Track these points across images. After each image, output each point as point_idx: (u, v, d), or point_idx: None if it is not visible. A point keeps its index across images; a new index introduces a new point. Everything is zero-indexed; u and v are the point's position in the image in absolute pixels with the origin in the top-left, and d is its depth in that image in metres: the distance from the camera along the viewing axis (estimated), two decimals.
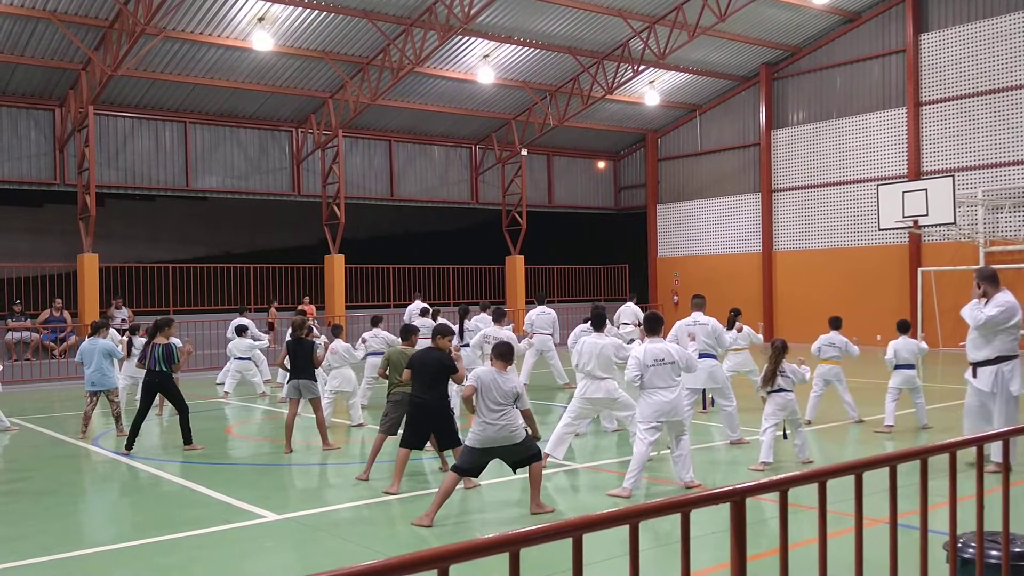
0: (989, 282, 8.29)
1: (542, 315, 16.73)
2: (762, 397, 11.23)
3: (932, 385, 15.09)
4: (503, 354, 7.29)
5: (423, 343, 9.26)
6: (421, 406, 8.04)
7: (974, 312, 8.24)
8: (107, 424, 12.78)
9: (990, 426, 8.22)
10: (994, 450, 7.33)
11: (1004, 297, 8.23)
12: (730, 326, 12.27)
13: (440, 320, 14.41)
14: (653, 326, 8.34)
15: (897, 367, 10.96)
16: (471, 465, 7.14)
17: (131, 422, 10.84)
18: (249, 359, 16.21)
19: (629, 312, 18.38)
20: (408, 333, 9.55)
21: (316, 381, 10.66)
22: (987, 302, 8.23)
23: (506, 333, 12.45)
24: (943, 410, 12.31)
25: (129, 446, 10.58)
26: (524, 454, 7.17)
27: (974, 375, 8.38)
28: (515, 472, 7.49)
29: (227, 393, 16.00)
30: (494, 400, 7.02)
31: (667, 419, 7.98)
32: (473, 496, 8.07)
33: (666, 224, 31.05)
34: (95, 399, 11.99)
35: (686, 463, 8.09)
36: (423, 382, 8.03)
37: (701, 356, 10.00)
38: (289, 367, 10.57)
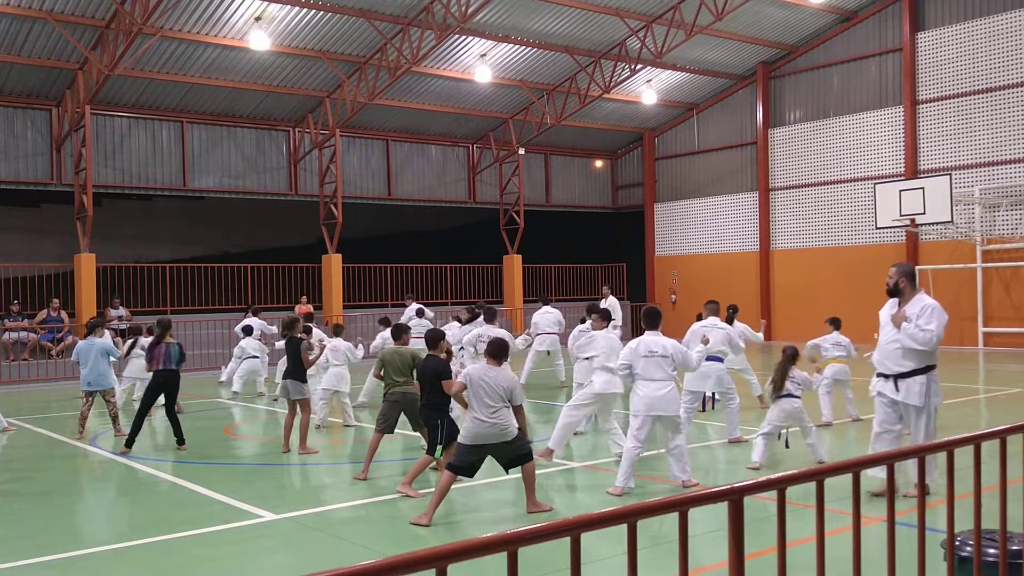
0: (910, 280, 7.47)
1: (545, 315, 16.78)
2: (761, 396, 11.23)
3: None
4: (495, 353, 7.30)
5: (415, 342, 9.30)
6: (425, 407, 8.14)
7: (919, 334, 7.17)
8: (104, 424, 12.76)
9: (897, 446, 7.24)
10: (912, 470, 6.80)
11: (931, 301, 7.39)
12: (729, 322, 12.36)
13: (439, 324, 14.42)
14: (652, 320, 8.34)
15: None
16: (464, 463, 7.12)
17: (132, 420, 10.80)
18: (258, 357, 16.06)
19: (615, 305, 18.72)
20: (399, 332, 9.54)
21: (305, 382, 10.49)
22: (907, 304, 7.36)
23: (501, 332, 12.44)
24: (942, 408, 12.28)
25: (129, 444, 10.55)
26: (516, 453, 7.17)
27: (896, 388, 7.34)
28: (507, 472, 7.49)
29: (236, 393, 15.93)
30: (488, 396, 7.01)
31: (659, 414, 7.95)
32: (471, 496, 8.07)
33: (663, 223, 31.06)
34: (91, 399, 11.95)
35: (681, 461, 8.06)
36: (423, 387, 8.15)
37: (709, 359, 9.95)
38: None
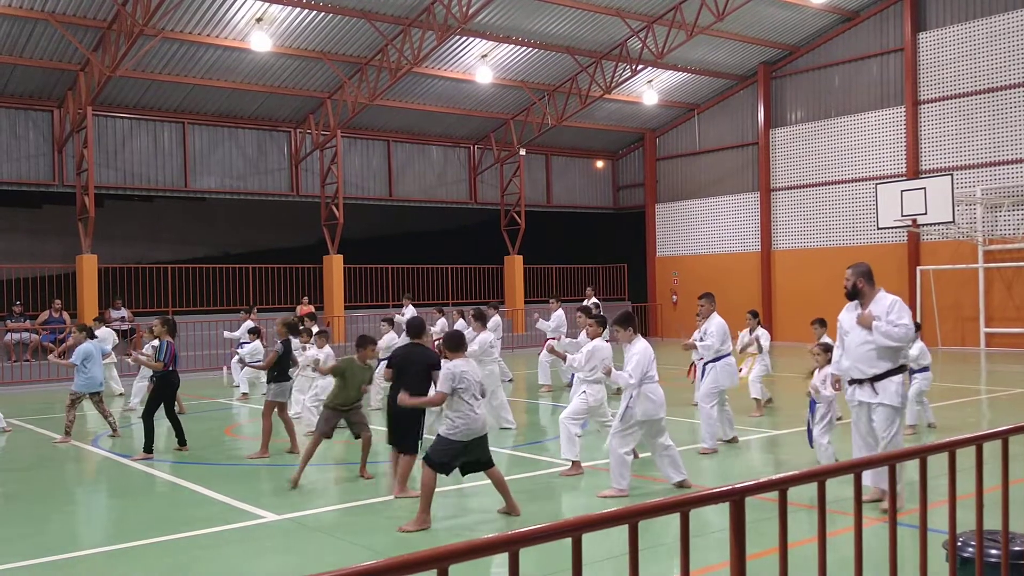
0: (868, 280, 7.27)
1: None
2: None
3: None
4: (457, 347, 7.14)
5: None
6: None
7: (894, 331, 6.96)
8: (103, 426, 12.74)
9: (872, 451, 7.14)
10: (871, 477, 6.86)
11: (893, 297, 7.22)
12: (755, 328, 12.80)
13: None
14: (633, 321, 8.22)
15: None
16: (445, 461, 6.95)
17: (145, 426, 10.47)
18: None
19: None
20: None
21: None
22: (869, 304, 7.18)
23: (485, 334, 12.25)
24: (944, 408, 12.31)
25: (149, 449, 10.39)
26: (486, 454, 7.10)
27: (874, 391, 7.06)
28: (463, 475, 7.29)
29: (245, 394, 16.01)
30: (474, 388, 6.96)
31: (663, 415, 7.91)
32: (470, 497, 8.07)
33: (664, 223, 31.05)
34: (81, 401, 11.83)
35: (676, 462, 8.01)
36: (406, 377, 7.84)
37: (727, 356, 10.25)
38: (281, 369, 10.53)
